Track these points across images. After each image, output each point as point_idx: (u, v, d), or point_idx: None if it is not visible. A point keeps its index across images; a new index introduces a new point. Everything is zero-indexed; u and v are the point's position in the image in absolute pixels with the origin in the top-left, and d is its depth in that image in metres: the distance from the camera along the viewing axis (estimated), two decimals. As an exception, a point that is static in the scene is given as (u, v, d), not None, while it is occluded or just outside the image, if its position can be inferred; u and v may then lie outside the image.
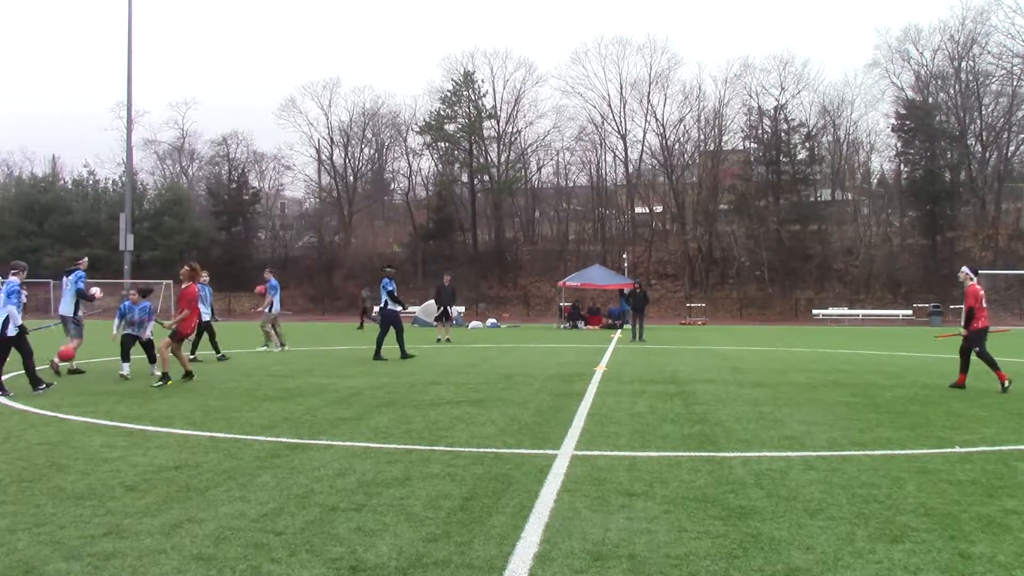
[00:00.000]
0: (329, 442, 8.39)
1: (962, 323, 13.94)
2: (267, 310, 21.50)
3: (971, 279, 13.85)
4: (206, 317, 18.58)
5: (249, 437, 8.67)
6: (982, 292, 13.83)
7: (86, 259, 17.25)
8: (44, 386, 12.41)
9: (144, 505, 5.85)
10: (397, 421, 9.82)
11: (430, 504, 5.90)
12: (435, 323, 30.55)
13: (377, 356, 18.71)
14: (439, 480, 6.66)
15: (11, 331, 12.09)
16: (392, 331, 19.21)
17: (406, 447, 8.13)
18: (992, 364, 13.27)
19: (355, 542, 5.01)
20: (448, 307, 28.16)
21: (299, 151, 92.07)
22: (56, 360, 14.81)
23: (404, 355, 19.03)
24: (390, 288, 19.23)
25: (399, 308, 19.52)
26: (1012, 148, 67.30)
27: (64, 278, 16.05)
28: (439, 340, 26.59)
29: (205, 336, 18.35)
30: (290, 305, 62.07)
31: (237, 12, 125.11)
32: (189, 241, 68.39)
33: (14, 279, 12.30)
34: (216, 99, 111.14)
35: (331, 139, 74.54)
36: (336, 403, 11.41)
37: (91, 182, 75.71)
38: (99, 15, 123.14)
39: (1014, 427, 9.54)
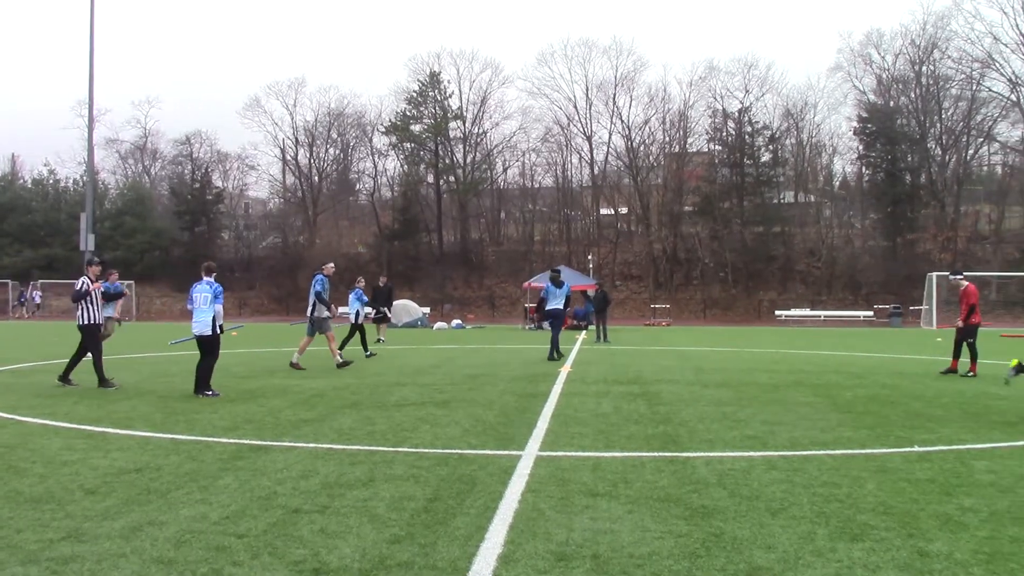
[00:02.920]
0: (292, 444, 8.34)
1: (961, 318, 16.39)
2: None
3: (963, 282, 16.78)
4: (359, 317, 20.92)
5: (211, 439, 8.60)
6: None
7: (331, 264, 18.35)
8: (211, 392, 12.28)
9: (104, 508, 5.78)
10: (361, 422, 9.78)
11: (394, 505, 5.89)
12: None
13: (551, 356, 19.52)
14: (403, 481, 6.64)
15: (218, 330, 12.66)
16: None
17: (370, 448, 8.10)
18: (974, 356, 16.06)
19: (318, 544, 4.99)
20: (386, 308, 28.26)
21: (263, 151, 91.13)
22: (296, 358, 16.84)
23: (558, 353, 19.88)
24: (569, 292, 20.63)
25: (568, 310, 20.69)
26: (971, 152, 68.37)
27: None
28: (378, 340, 26.84)
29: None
30: (256, 306, 61.56)
31: (201, 10, 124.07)
32: (151, 241, 67.78)
33: (214, 280, 12.81)
34: (179, 98, 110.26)
35: (296, 139, 74.16)
36: (299, 404, 11.35)
37: (51, 181, 74.73)
38: (61, 11, 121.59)
39: (971, 427, 9.68)
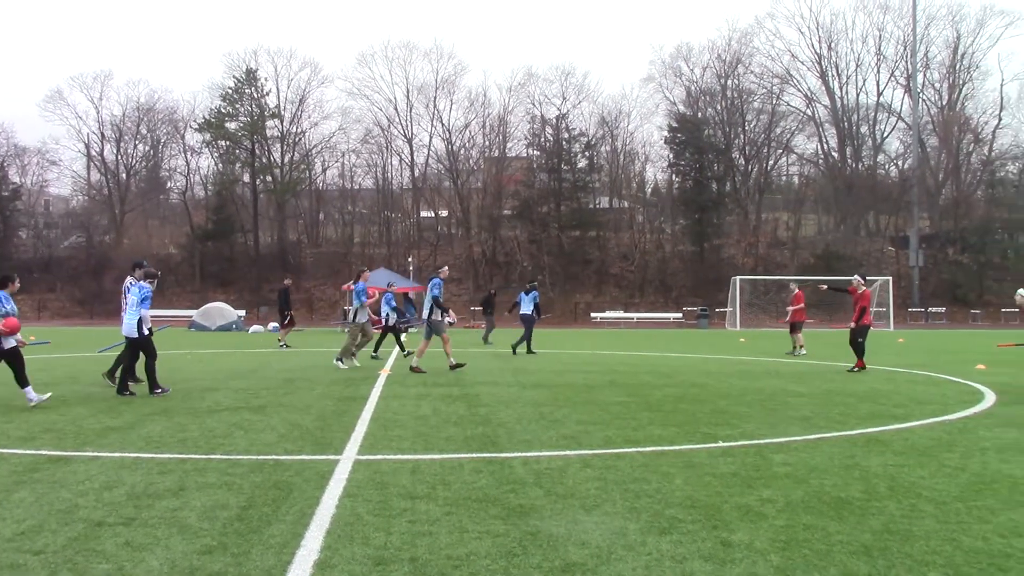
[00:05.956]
0: (96, 453, 7.94)
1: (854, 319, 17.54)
2: None
3: (863, 286, 17.75)
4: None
5: (4, 450, 8.07)
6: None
7: (446, 268, 18.05)
8: (160, 390, 12.75)
9: None
10: (171, 429, 9.41)
11: (205, 515, 5.69)
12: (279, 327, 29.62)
13: (530, 351, 22.91)
14: (215, 490, 6.44)
15: (144, 332, 12.67)
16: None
17: (180, 456, 7.81)
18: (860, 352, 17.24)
19: (123, 558, 4.77)
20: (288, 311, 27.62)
21: (66, 145, 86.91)
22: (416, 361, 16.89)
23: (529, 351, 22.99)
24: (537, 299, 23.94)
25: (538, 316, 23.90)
26: (771, 162, 72.75)
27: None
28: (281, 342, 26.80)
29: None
30: (57, 309, 58.32)
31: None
32: (-62, 240, 63.10)
33: (146, 284, 12.82)
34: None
35: (102, 134, 70.65)
36: (104, 412, 10.81)
37: None
38: None
39: (770, 422, 10.23)
